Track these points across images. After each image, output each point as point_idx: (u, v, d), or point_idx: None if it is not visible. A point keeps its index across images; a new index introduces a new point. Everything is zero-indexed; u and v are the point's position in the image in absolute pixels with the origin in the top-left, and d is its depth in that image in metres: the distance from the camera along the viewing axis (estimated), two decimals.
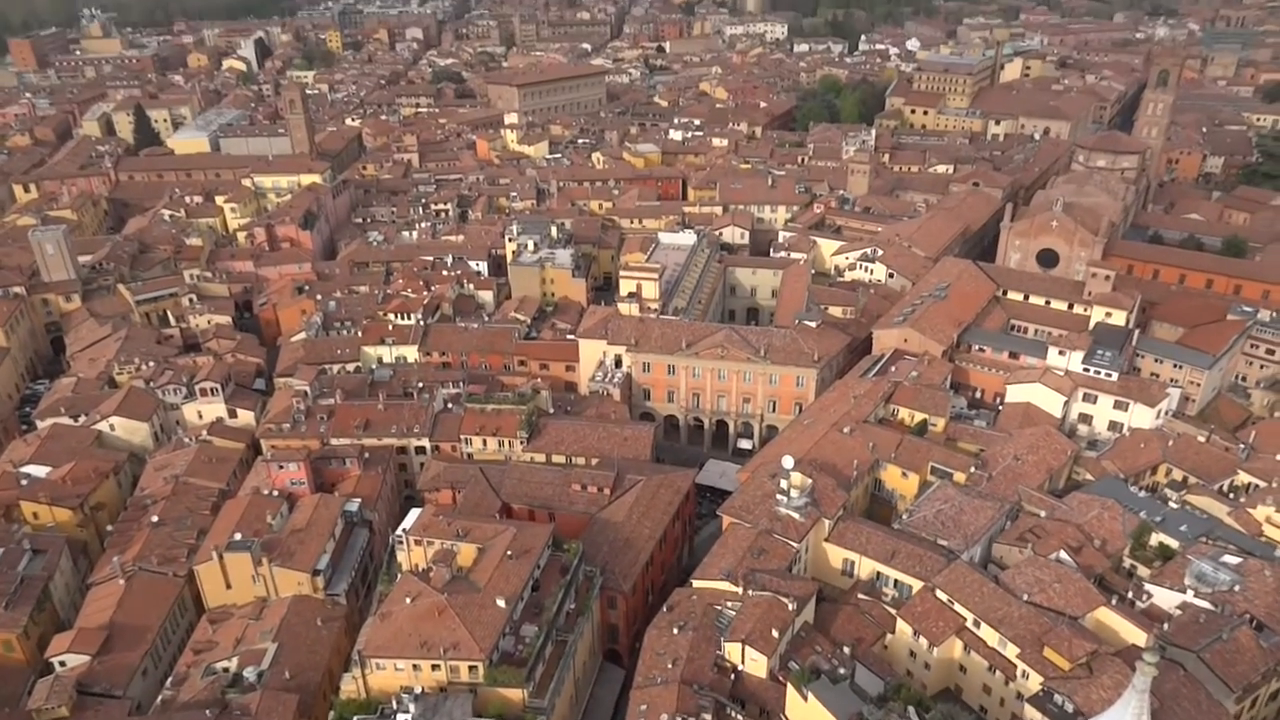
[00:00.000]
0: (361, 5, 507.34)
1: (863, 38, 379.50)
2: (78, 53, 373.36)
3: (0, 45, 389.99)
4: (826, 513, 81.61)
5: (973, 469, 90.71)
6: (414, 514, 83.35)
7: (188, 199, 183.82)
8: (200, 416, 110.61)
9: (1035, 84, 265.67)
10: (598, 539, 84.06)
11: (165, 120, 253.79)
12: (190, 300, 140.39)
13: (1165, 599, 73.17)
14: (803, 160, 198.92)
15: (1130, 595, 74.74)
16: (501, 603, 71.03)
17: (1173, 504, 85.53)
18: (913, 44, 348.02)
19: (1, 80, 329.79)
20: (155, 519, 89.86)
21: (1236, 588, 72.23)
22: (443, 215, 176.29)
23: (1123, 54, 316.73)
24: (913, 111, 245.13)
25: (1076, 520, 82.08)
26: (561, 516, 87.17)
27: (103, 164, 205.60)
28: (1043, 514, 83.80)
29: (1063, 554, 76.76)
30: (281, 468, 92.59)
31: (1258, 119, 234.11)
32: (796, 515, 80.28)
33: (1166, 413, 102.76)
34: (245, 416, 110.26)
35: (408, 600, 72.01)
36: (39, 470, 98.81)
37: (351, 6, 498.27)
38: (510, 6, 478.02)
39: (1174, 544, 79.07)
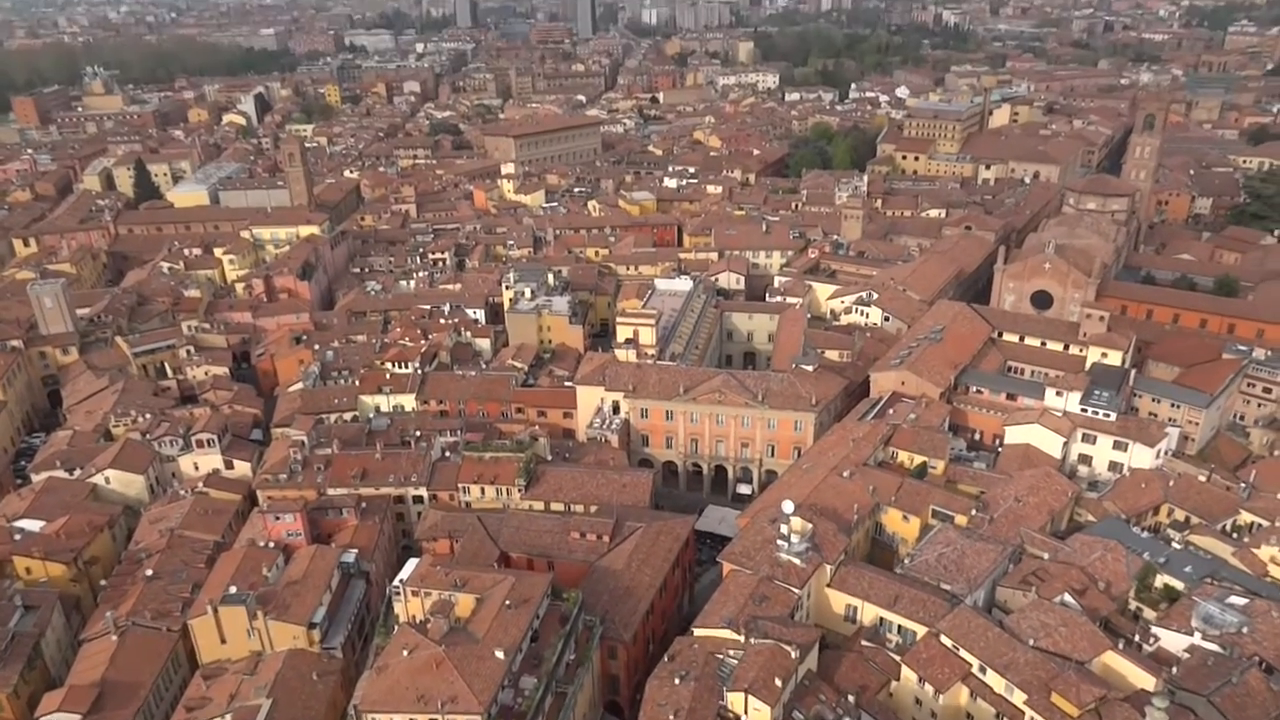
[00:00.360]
0: (360, 60, 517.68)
1: (853, 86, 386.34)
2: (80, 109, 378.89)
3: (4, 103, 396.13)
4: (828, 558, 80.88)
5: (974, 511, 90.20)
6: (411, 564, 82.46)
7: (186, 251, 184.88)
8: (196, 468, 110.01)
9: (1024, 129, 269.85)
10: (597, 587, 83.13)
11: (165, 174, 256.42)
12: (188, 352, 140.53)
13: (1173, 642, 72.28)
14: (796, 206, 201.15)
15: (1137, 638, 73.85)
16: (500, 654, 69.97)
17: (1176, 545, 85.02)
18: (902, 91, 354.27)
19: (4, 137, 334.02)
20: (149, 573, 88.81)
21: (1244, 629, 71.41)
22: (440, 264, 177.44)
23: (1108, 99, 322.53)
24: (904, 157, 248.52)
25: (1080, 562, 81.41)
26: (560, 565, 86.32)
27: (102, 218, 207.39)
28: (1046, 556, 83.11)
29: (1067, 597, 75.96)
30: (278, 519, 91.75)
31: (1244, 161, 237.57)
32: (798, 561, 79.56)
33: (1166, 452, 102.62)
34: (242, 467, 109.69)
35: (405, 653, 70.95)
36: (33, 525, 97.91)
37: (350, 61, 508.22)
38: (506, 60, 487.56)
39: (1179, 585, 78.35)
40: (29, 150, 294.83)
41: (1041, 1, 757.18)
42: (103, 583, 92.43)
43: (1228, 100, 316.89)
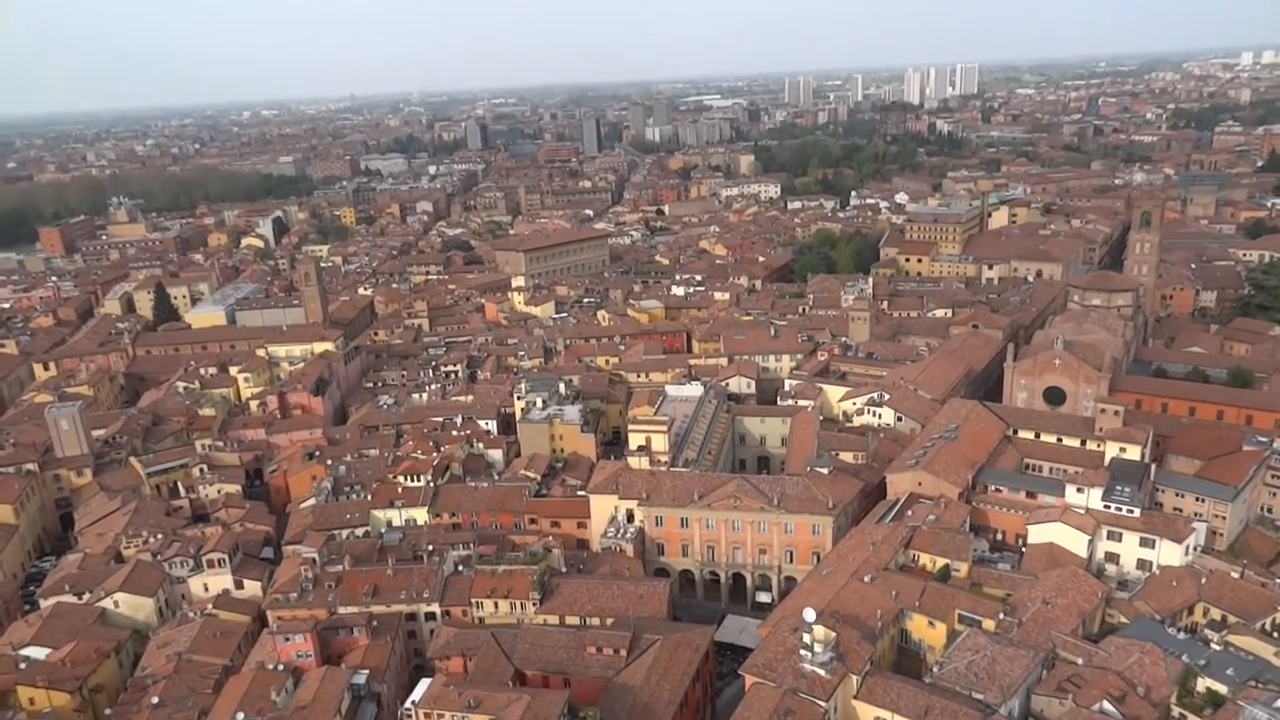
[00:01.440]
0: (375, 183, 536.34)
1: (853, 193, 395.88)
2: (104, 238, 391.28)
3: (32, 234, 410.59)
4: (853, 667, 78.19)
5: (1002, 615, 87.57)
6: (423, 685, 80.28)
7: (203, 371, 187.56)
8: (206, 589, 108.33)
9: (1023, 229, 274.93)
10: (615, 705, 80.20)
11: (184, 297, 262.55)
12: (201, 470, 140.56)
13: None
14: (803, 310, 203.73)
15: None
16: None
17: (1215, 645, 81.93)
18: (901, 197, 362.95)
19: (30, 266, 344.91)
20: (155, 700, 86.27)
21: None
22: (452, 376, 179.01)
23: (1104, 199, 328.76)
24: (907, 260, 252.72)
25: (1116, 667, 78.39)
26: (577, 682, 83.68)
27: (121, 341, 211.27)
28: (1080, 661, 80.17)
29: (1106, 704, 72.80)
30: (287, 639, 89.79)
31: (1244, 254, 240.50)
32: (822, 671, 76.92)
33: (1195, 548, 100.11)
34: (252, 587, 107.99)
35: None
36: (38, 652, 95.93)
37: (365, 184, 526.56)
38: (516, 178, 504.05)
39: (1222, 689, 75.13)
40: (53, 278, 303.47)
41: (1031, 109, 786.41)
42: (107, 711, 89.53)
43: (1221, 196, 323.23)
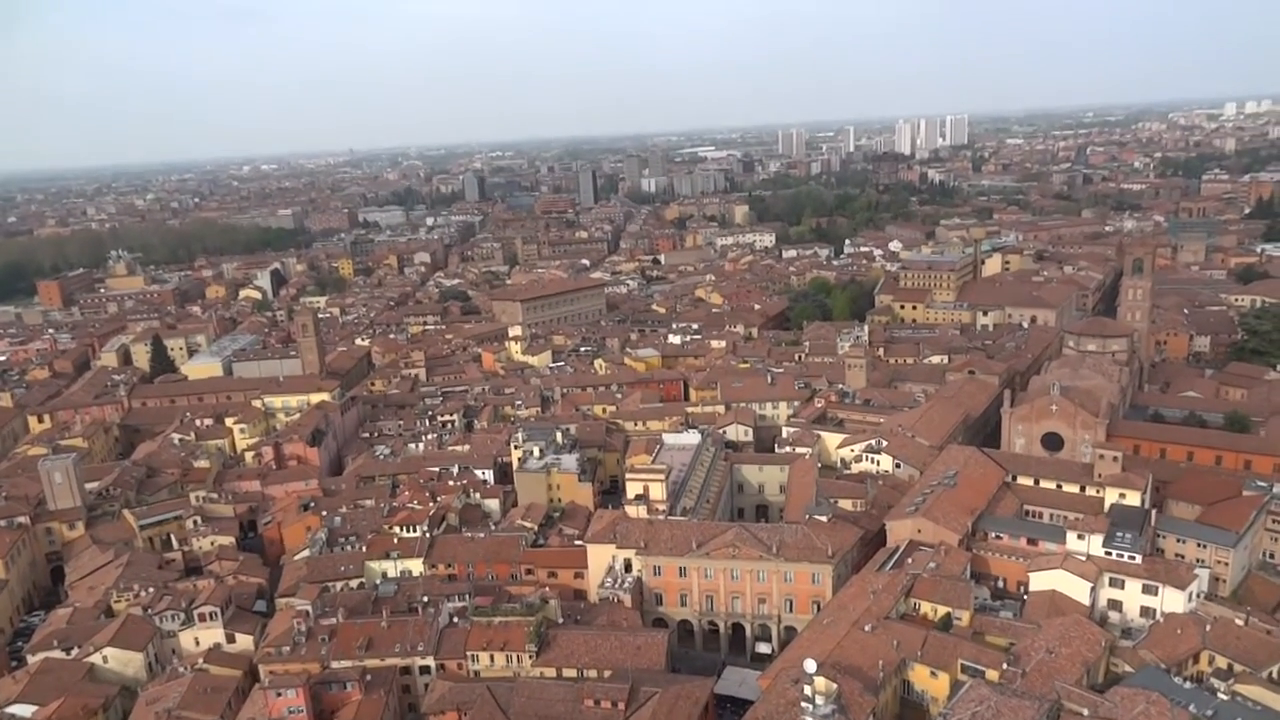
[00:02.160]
0: (373, 235, 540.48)
1: (847, 242, 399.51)
2: (102, 290, 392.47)
3: (30, 287, 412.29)
4: None
5: (1005, 665, 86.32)
6: None
7: (198, 422, 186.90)
8: (197, 643, 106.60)
9: (1016, 276, 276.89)
10: None
11: (181, 348, 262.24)
12: (194, 522, 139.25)
13: None
14: (799, 357, 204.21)
15: None
16: None
17: (1222, 695, 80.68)
18: (895, 245, 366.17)
19: (28, 319, 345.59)
20: None
21: None
22: (449, 426, 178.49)
23: (1095, 246, 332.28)
24: (902, 307, 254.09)
25: (1122, 717, 76.91)
26: None
27: (117, 392, 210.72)
28: (1085, 712, 78.60)
29: None
30: (279, 695, 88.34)
31: (1235, 299, 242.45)
32: None
33: (1198, 595, 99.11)
34: (244, 641, 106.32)
35: None
36: (25, 709, 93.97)
37: (363, 236, 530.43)
38: (513, 229, 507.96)
39: None
40: (50, 330, 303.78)
41: (1021, 158, 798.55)
42: None
43: (1211, 242, 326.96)
